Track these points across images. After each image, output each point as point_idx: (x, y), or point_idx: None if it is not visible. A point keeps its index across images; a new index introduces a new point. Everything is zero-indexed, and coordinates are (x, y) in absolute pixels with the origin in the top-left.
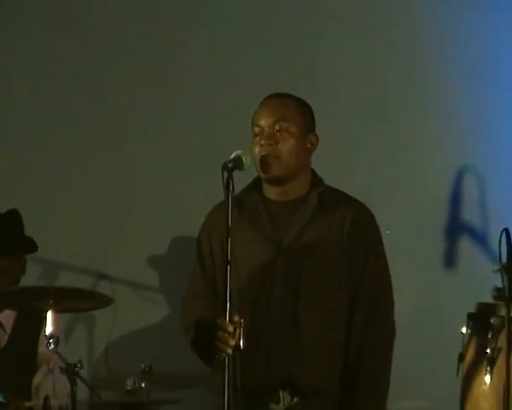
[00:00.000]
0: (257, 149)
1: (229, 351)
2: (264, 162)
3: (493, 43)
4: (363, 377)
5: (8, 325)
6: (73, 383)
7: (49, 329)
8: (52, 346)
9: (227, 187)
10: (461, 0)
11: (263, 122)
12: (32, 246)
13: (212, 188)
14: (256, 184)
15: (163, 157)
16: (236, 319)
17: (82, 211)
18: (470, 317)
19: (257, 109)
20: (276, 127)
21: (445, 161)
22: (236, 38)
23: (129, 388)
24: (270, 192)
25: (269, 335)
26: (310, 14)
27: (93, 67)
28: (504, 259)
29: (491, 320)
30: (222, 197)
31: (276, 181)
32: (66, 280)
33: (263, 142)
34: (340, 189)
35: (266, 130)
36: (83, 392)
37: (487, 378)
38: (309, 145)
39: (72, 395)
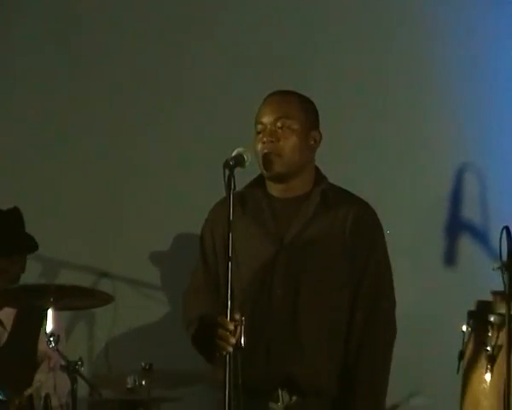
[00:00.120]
0: (259, 147)
1: (230, 349)
2: (266, 160)
3: (493, 42)
4: (362, 376)
5: (8, 323)
6: (74, 381)
7: (49, 327)
8: (53, 344)
9: (228, 185)
10: (461, 0)
11: (265, 119)
12: (32, 245)
13: (213, 186)
14: (259, 181)
15: (164, 155)
16: (237, 316)
17: (82, 209)
18: (470, 315)
19: (260, 106)
20: (278, 124)
21: (445, 159)
22: (236, 37)
23: (129, 386)
24: (274, 189)
25: (269, 332)
26: (311, 13)
27: (93, 67)
28: (505, 257)
29: (492, 318)
30: (223, 195)
31: (279, 178)
32: (66, 278)
33: (265, 139)
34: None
35: (268, 127)
36: (83, 390)
37: (488, 376)
38: (312, 142)
39: (73, 392)
